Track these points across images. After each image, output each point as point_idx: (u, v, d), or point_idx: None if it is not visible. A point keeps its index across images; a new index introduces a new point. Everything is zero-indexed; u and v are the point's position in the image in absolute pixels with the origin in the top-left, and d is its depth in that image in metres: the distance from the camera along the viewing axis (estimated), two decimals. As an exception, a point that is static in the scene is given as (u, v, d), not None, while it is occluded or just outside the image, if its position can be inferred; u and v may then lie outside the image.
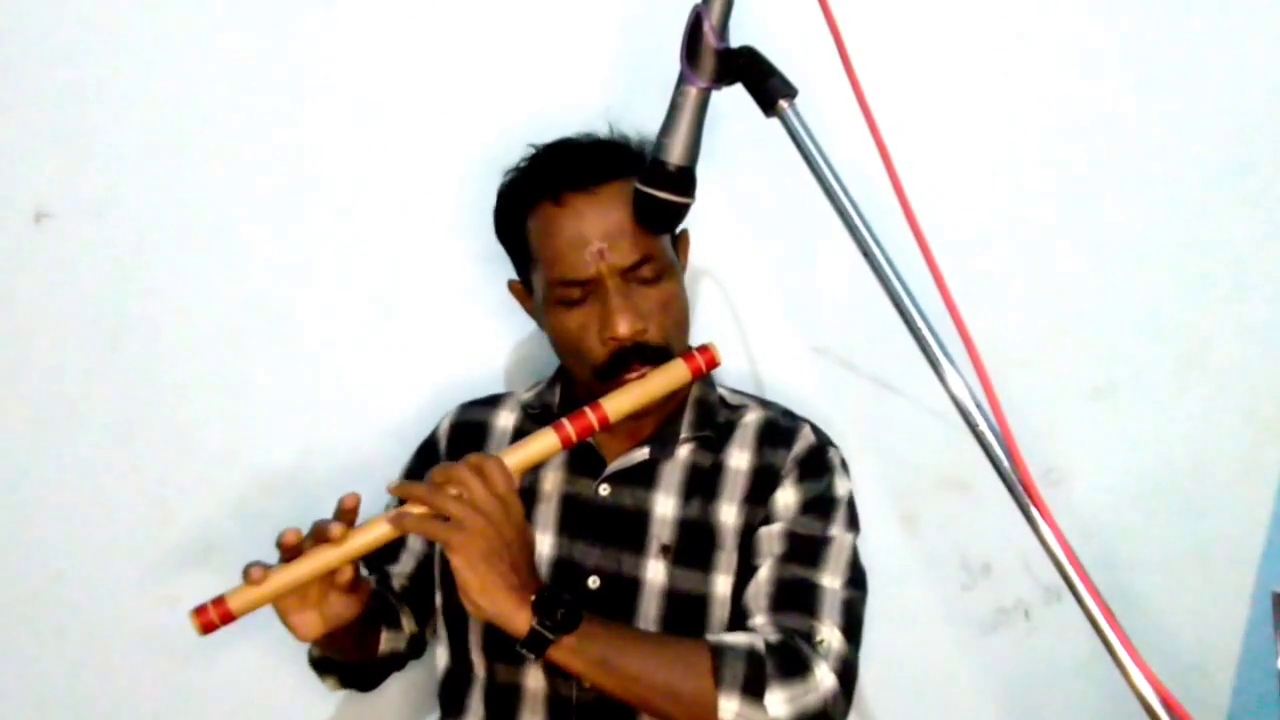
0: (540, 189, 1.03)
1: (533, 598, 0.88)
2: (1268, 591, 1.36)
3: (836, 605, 0.99)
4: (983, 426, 0.75)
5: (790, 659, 0.92)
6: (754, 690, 0.90)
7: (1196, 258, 1.33)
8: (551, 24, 1.27)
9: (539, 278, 1.05)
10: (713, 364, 1.01)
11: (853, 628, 0.99)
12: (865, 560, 1.06)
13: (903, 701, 1.38)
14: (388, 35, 1.26)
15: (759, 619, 0.98)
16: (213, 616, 0.87)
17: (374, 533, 0.91)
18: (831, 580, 1.00)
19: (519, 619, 0.87)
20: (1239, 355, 1.35)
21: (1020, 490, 0.73)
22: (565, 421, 0.97)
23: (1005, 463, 0.74)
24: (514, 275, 1.13)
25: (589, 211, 1.00)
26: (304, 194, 1.28)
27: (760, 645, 0.93)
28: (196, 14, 1.24)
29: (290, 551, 0.90)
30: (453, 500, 0.88)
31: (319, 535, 0.90)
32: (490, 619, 0.88)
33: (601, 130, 1.11)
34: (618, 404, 0.98)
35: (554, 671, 1.02)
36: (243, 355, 1.29)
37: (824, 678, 0.92)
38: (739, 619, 1.00)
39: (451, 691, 1.11)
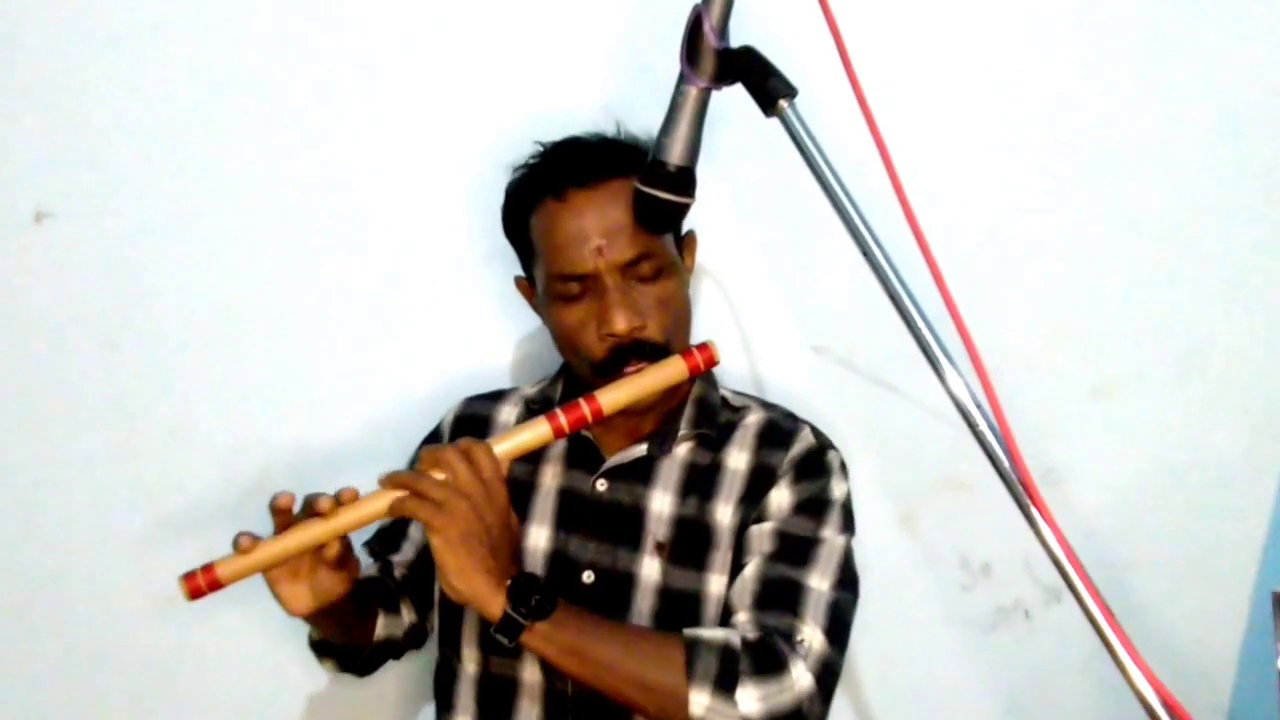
0: (544, 185, 1.04)
1: (508, 583, 0.89)
2: (1268, 591, 1.36)
3: (821, 606, 0.98)
4: (983, 426, 0.75)
5: (766, 656, 0.92)
6: (726, 685, 0.90)
7: (1196, 258, 1.33)
8: (553, 24, 1.27)
9: (540, 273, 1.06)
10: (711, 362, 1.01)
11: (837, 630, 0.98)
12: (864, 560, 1.05)
13: (903, 701, 1.38)
14: (393, 35, 1.26)
15: (741, 616, 0.98)
16: (200, 583, 0.89)
17: (362, 509, 0.92)
18: (819, 581, 0.99)
19: (494, 603, 0.88)
20: (1238, 355, 1.35)
21: (1020, 490, 0.73)
22: (559, 411, 0.97)
23: (1005, 463, 0.74)
24: (520, 272, 1.13)
25: (589, 208, 1.00)
26: (308, 193, 1.28)
27: (736, 641, 0.93)
28: (198, 14, 1.24)
29: (282, 514, 0.91)
30: (434, 483, 0.89)
31: (310, 508, 0.91)
32: (466, 602, 0.89)
33: (611, 131, 1.11)
34: (612, 397, 0.98)
35: (550, 666, 1.02)
36: (245, 355, 1.29)
37: (800, 677, 0.92)
38: (725, 616, 1.00)
39: (446, 685, 1.11)
